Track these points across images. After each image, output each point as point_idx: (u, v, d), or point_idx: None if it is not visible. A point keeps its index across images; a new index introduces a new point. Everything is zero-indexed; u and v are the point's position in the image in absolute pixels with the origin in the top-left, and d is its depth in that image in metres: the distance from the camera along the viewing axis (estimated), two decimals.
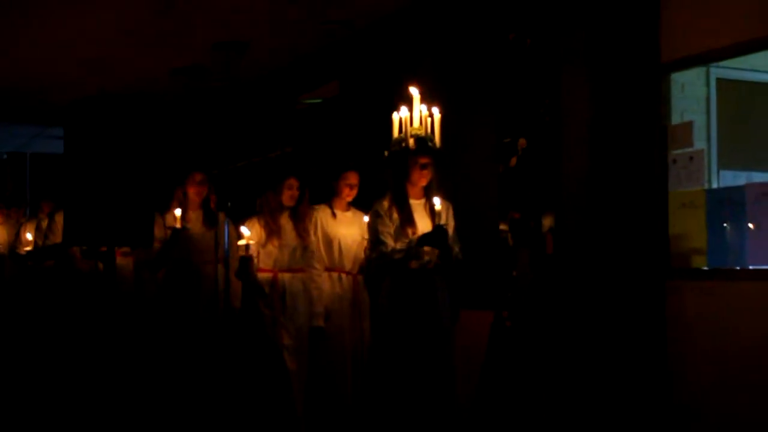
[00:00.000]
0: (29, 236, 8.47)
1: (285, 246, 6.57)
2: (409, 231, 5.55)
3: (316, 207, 6.68)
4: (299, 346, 6.49)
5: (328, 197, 6.69)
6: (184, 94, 10.53)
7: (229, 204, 7.00)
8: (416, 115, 5.49)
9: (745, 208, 5.32)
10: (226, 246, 6.72)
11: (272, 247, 6.56)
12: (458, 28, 7.04)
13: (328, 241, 6.57)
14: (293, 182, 6.62)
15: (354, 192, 6.63)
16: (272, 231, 6.55)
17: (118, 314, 6.74)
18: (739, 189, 5.44)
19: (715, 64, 5.95)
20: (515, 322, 5.83)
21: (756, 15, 5.20)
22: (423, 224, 5.57)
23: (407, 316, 5.51)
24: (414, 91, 5.46)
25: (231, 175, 9.60)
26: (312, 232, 6.59)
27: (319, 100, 8.25)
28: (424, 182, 5.61)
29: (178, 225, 6.73)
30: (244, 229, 6.34)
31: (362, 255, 6.61)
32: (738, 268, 5.37)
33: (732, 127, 6.14)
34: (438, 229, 5.41)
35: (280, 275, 6.55)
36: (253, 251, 6.33)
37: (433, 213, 5.50)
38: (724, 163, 6.03)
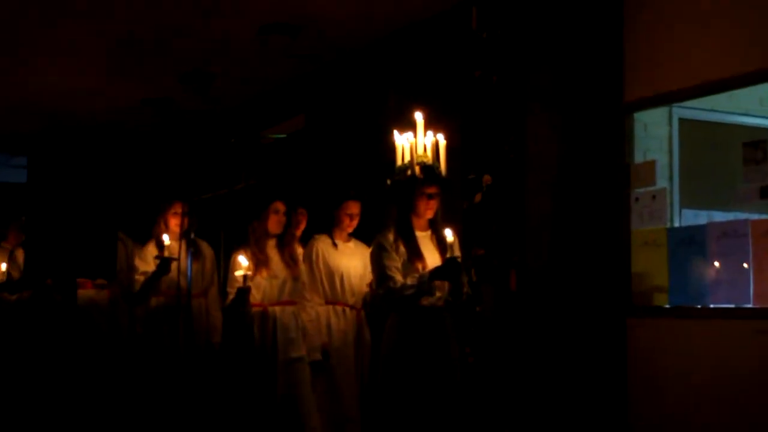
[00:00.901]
0: (3, 267, 8.16)
1: (274, 278, 6.20)
2: (419, 265, 5.16)
3: (316, 237, 6.36)
4: (294, 385, 6.08)
5: (328, 227, 6.37)
6: (151, 125, 10.49)
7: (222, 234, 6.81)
8: (421, 142, 5.18)
9: (707, 246, 5.37)
10: (190, 275, 6.31)
11: (260, 279, 6.17)
12: (424, 64, 7.08)
13: (330, 273, 6.25)
14: (279, 206, 6.27)
15: (354, 223, 6.32)
16: (260, 262, 6.17)
17: (88, 351, 6.50)
18: (700, 228, 5.49)
19: (677, 104, 6.02)
20: (478, 358, 5.83)
21: (717, 56, 5.28)
22: (431, 257, 5.20)
23: (416, 358, 5.10)
24: (418, 117, 5.16)
25: (197, 206, 9.55)
26: (306, 262, 6.25)
27: (283, 136, 8.18)
28: (430, 214, 5.26)
29: (166, 254, 6.41)
30: (241, 259, 5.99)
31: (365, 288, 6.29)
32: (699, 306, 5.40)
33: (694, 167, 6.20)
34: (451, 262, 4.99)
35: (270, 309, 6.19)
36: (250, 282, 5.99)
37: (441, 245, 5.16)
38: (686, 202, 6.08)
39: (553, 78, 5.86)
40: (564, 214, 5.73)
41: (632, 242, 5.77)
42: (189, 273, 6.07)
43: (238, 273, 5.92)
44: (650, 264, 5.67)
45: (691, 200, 6.12)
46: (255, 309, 6.13)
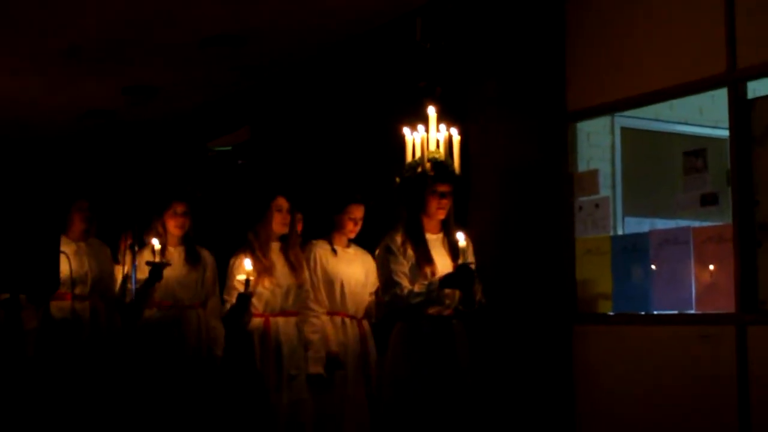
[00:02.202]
0: None
1: (278, 286, 5.65)
2: (428, 270, 4.80)
3: (314, 242, 5.83)
4: (298, 403, 5.57)
5: (327, 231, 5.85)
6: (94, 137, 10.38)
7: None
8: (433, 137, 4.84)
9: (649, 254, 5.43)
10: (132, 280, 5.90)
11: (263, 289, 5.61)
12: (368, 74, 7.09)
13: (329, 282, 5.72)
14: (282, 203, 5.73)
15: (358, 228, 5.79)
16: (264, 269, 5.61)
17: (69, 366, 6.05)
18: (643, 235, 5.56)
19: (619, 113, 6.09)
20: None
21: (658, 67, 5.36)
22: (442, 262, 4.85)
23: (422, 369, 4.77)
24: (431, 111, 4.88)
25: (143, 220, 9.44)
26: (307, 269, 5.72)
27: (228, 148, 8.08)
28: (442, 214, 4.90)
29: (157, 259, 5.76)
30: (246, 262, 5.45)
31: (366, 297, 5.82)
32: (643, 313, 5.46)
33: (636, 175, 6.27)
34: (463, 269, 4.64)
35: (272, 320, 5.66)
36: (253, 288, 5.42)
37: (453, 249, 4.80)
38: (629, 210, 6.15)
39: (497, 88, 5.91)
40: (509, 223, 5.76)
41: (576, 250, 5.83)
42: (134, 279, 5.75)
43: (240, 277, 5.39)
44: (594, 271, 5.72)
45: (633, 208, 6.18)
46: (256, 320, 5.62)
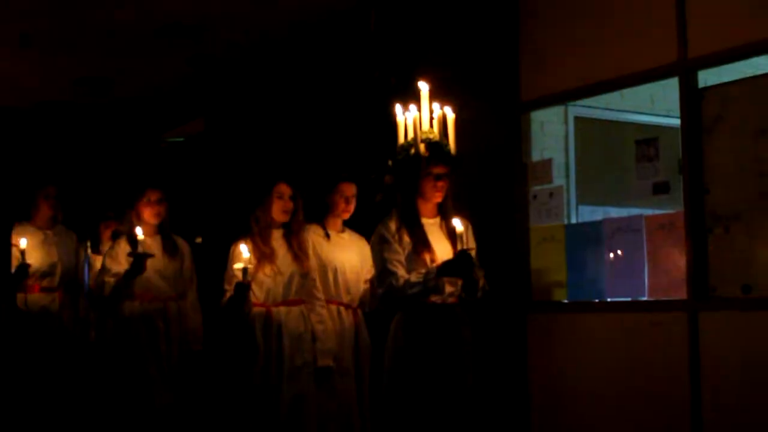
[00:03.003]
0: None
1: (279, 274, 5.39)
2: (426, 257, 4.53)
3: (307, 227, 5.56)
4: (301, 396, 5.29)
5: (321, 216, 5.59)
6: (47, 128, 10.26)
7: (199, 240, 6.36)
8: (426, 116, 4.55)
9: (603, 242, 5.48)
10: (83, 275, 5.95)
11: (264, 276, 5.37)
12: (325, 65, 7.08)
13: (323, 268, 5.45)
14: (284, 189, 5.47)
15: (351, 207, 5.53)
16: (264, 256, 5.36)
17: (38, 361, 5.89)
18: (596, 224, 5.60)
19: (573, 103, 6.13)
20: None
21: (611, 56, 5.40)
22: (441, 248, 4.57)
23: (425, 361, 4.49)
24: (423, 87, 4.59)
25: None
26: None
27: (181, 139, 8.00)
28: (439, 198, 4.62)
29: (141, 249, 5.55)
30: (243, 249, 5.21)
31: (361, 285, 5.56)
32: (597, 300, 5.51)
33: (589, 164, 6.32)
34: (462, 255, 4.34)
35: (274, 310, 5.38)
36: (251, 277, 5.20)
37: (452, 234, 4.47)
38: (583, 199, 6.20)
39: (452, 78, 5.91)
40: (464, 211, 5.77)
41: (531, 239, 5.86)
42: (86, 273, 5.67)
43: (238, 266, 5.13)
44: (549, 260, 5.76)
45: (587, 197, 6.23)
46: (257, 310, 5.35)
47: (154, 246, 5.79)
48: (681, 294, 4.97)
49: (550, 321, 5.68)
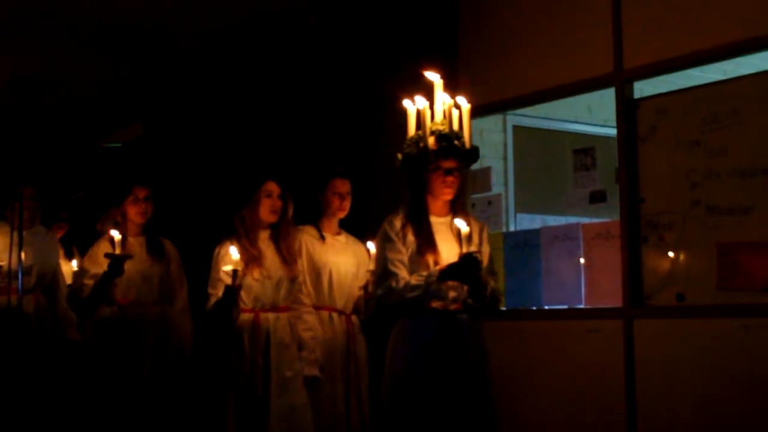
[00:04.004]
0: None
1: (268, 278, 5.10)
2: (430, 259, 4.18)
3: (300, 228, 5.30)
4: (289, 404, 5.02)
5: (314, 217, 5.35)
6: None
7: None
8: (438, 108, 4.23)
9: (541, 250, 5.53)
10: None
11: (252, 280, 5.05)
12: (265, 67, 7.07)
13: (316, 271, 5.22)
14: (272, 188, 5.16)
15: (345, 205, 5.29)
16: (252, 258, 5.04)
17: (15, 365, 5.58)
18: (534, 232, 5.65)
19: (511, 111, 6.17)
20: None
21: (549, 66, 5.46)
22: (447, 250, 4.19)
23: (427, 371, 4.13)
24: (434, 77, 4.29)
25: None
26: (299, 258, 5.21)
27: (118, 144, 7.88)
28: (449, 194, 4.25)
29: (118, 251, 5.23)
30: (233, 251, 4.91)
31: (356, 291, 5.35)
32: (534, 308, 5.56)
33: (528, 173, 6.37)
34: (467, 259, 3.99)
35: (262, 316, 5.08)
36: (241, 280, 4.90)
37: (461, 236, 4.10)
38: (521, 207, 6.24)
39: (392, 86, 5.94)
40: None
41: None
42: (20, 273, 5.36)
43: (227, 268, 4.82)
44: None
45: (525, 205, 6.27)
46: (244, 315, 5.06)
47: (137, 247, 5.53)
48: (617, 302, 5.03)
49: (487, 328, 5.70)
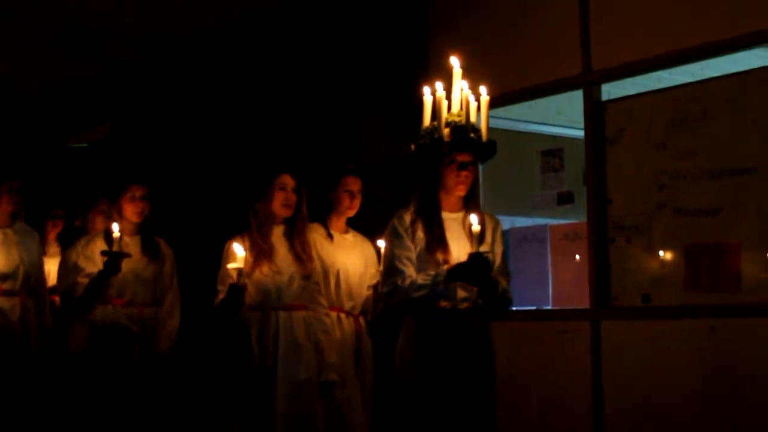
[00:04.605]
0: None
1: (278, 273, 4.85)
2: (439, 256, 3.93)
3: (309, 225, 5.09)
4: (300, 411, 4.74)
5: (323, 215, 5.12)
6: None
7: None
8: (456, 97, 3.95)
9: (509, 251, 5.52)
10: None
11: (261, 276, 4.82)
12: (232, 68, 7.04)
13: (324, 271, 4.97)
14: (287, 180, 4.93)
15: (356, 203, 5.07)
16: (262, 253, 4.84)
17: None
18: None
19: None
20: None
21: (516, 68, 5.48)
22: (459, 247, 3.94)
23: (435, 373, 3.93)
24: (455, 63, 4.01)
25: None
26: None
27: (84, 145, 7.79)
28: (462, 190, 3.99)
29: (116, 248, 5.02)
30: (236, 248, 4.65)
31: (365, 291, 5.09)
32: None
33: (496, 174, 6.36)
34: (476, 259, 3.75)
35: (272, 313, 4.83)
36: (248, 276, 4.73)
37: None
38: (490, 209, 6.19)
39: (361, 87, 5.95)
40: (381, 219, 5.78)
41: None
42: None
43: (232, 266, 4.61)
44: None
45: (494, 207, 6.25)
46: (252, 313, 4.82)
47: (132, 246, 5.28)
48: (584, 303, 5.04)
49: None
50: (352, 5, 6.21)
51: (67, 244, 5.87)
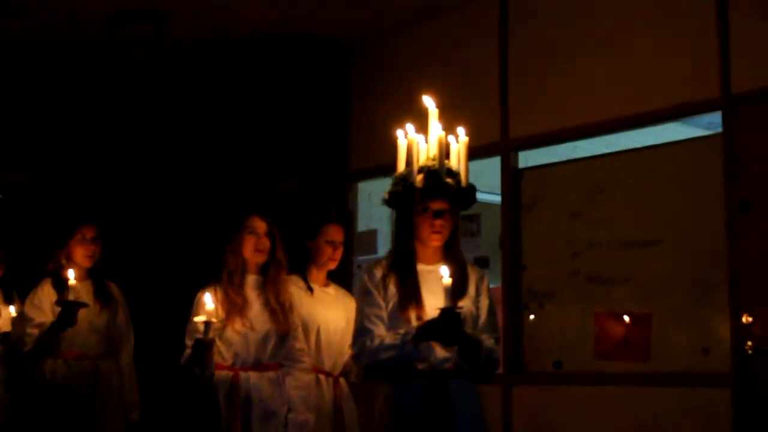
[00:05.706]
0: None
1: (252, 331, 4.30)
2: (412, 314, 3.52)
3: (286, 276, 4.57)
4: None
5: (302, 265, 4.66)
6: None
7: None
8: (433, 140, 3.66)
9: None
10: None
11: (233, 333, 4.27)
12: (144, 119, 7.00)
13: (303, 328, 4.47)
14: (257, 224, 4.37)
15: (338, 255, 4.63)
16: (234, 307, 4.27)
17: None
18: None
19: None
20: None
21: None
22: (435, 303, 3.44)
23: None
24: (429, 104, 3.76)
25: None
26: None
27: None
28: (437, 240, 3.58)
29: (72, 297, 4.59)
30: (207, 298, 4.13)
31: (347, 350, 4.49)
32: None
33: None
34: (446, 314, 3.34)
35: (243, 375, 4.28)
36: (215, 332, 4.14)
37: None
38: None
39: (285, 146, 5.98)
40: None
41: None
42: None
43: (199, 319, 4.09)
44: None
45: None
46: (221, 374, 4.26)
47: (83, 292, 4.84)
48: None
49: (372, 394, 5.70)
50: (278, 66, 6.24)
51: None
